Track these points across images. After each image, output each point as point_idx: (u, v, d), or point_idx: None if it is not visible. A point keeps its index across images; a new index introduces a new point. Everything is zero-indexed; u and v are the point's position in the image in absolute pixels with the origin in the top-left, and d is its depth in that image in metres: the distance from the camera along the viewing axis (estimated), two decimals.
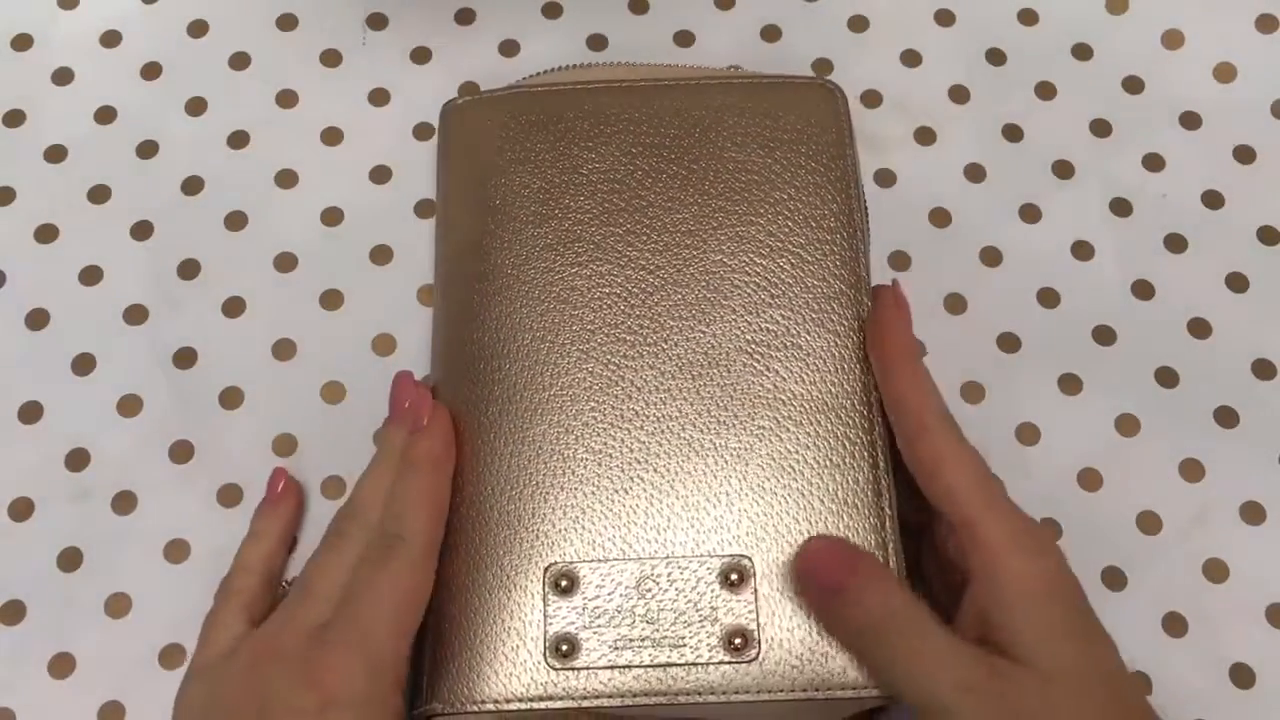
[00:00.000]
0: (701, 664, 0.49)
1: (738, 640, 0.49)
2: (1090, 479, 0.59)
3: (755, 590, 0.49)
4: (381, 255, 0.62)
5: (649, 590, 0.50)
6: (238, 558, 0.55)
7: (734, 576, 0.50)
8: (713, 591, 0.50)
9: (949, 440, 0.50)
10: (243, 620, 0.52)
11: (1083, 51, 0.67)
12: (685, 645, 0.49)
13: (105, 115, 0.65)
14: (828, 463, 0.51)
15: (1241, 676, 0.56)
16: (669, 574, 0.50)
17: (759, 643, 0.49)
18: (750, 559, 0.50)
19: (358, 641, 0.48)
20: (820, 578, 0.48)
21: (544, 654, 0.49)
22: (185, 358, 0.60)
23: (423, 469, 0.52)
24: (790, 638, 0.49)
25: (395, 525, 0.50)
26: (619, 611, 0.49)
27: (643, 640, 0.49)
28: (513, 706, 0.49)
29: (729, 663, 0.49)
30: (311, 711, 0.46)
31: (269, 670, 0.48)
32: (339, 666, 0.47)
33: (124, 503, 0.58)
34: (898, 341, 0.52)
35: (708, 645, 0.49)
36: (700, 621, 0.49)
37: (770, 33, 0.67)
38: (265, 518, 0.56)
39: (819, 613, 0.49)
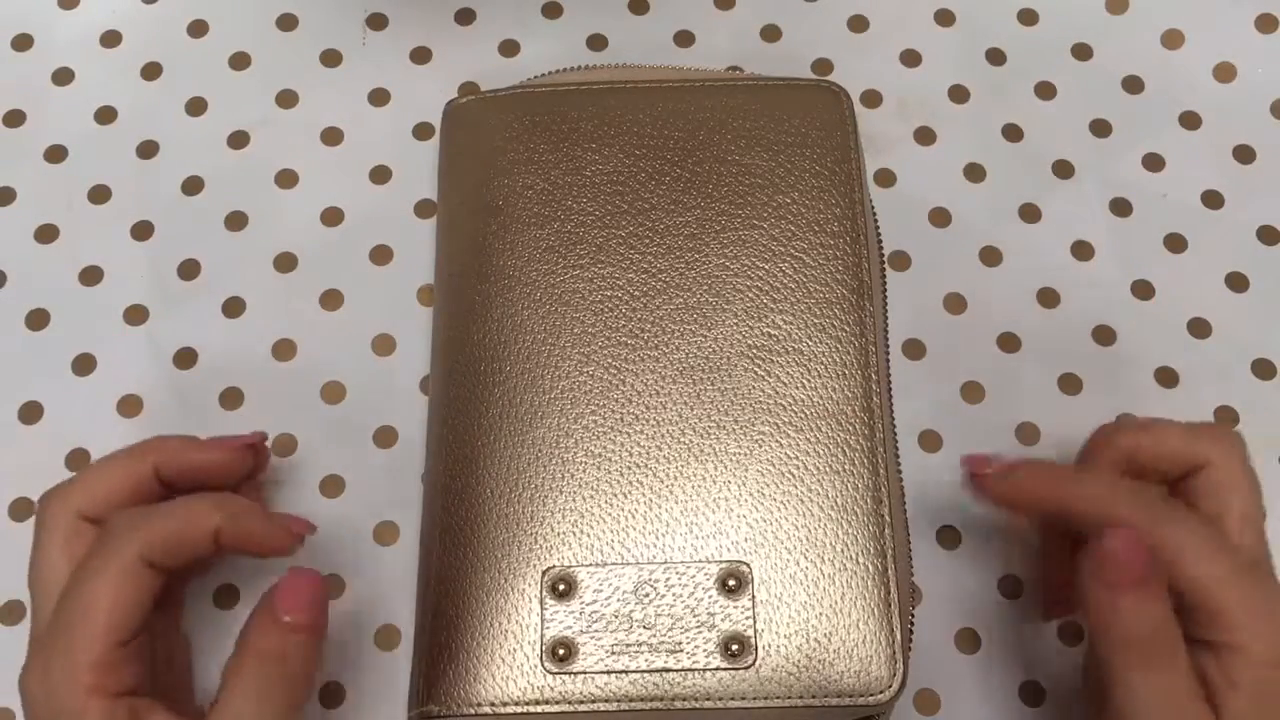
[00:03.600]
0: (698, 670, 0.49)
1: (735, 646, 0.49)
2: None
3: (753, 596, 0.49)
4: (381, 255, 0.62)
5: (647, 595, 0.50)
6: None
7: (732, 582, 0.50)
8: (710, 597, 0.50)
9: (1176, 530, 0.48)
10: None
11: (1083, 51, 0.67)
12: (682, 651, 0.49)
13: (105, 115, 0.65)
14: (828, 469, 0.51)
15: None
16: (667, 579, 0.50)
17: (756, 649, 0.49)
18: (749, 565, 0.50)
19: (44, 656, 0.47)
20: (1123, 573, 0.46)
21: (540, 658, 0.49)
22: (185, 358, 0.60)
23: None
24: (788, 644, 0.49)
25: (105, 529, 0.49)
26: (616, 616, 0.49)
27: (640, 645, 0.49)
28: (509, 710, 0.49)
29: (726, 669, 0.49)
30: None
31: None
32: (33, 684, 0.46)
33: None
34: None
35: (705, 651, 0.49)
36: (698, 627, 0.49)
37: (770, 33, 0.67)
38: None
39: (1092, 611, 0.47)
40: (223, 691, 0.47)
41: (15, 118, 0.65)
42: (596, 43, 0.67)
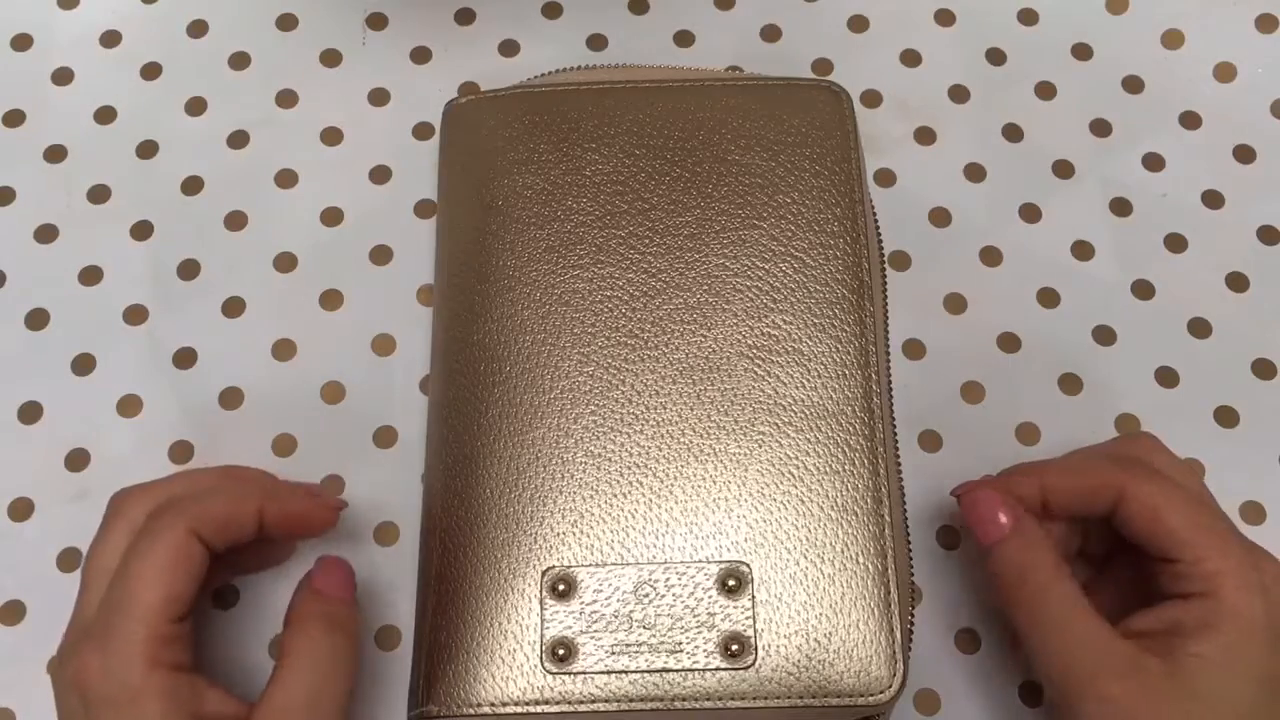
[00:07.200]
0: (698, 670, 0.49)
1: (735, 646, 0.49)
2: None
3: (753, 596, 0.49)
4: (381, 255, 0.62)
5: (646, 595, 0.50)
6: None
7: (731, 582, 0.50)
8: (710, 597, 0.50)
9: (1149, 485, 0.50)
10: None
11: (1083, 51, 0.67)
12: (682, 651, 0.49)
13: (105, 115, 0.65)
14: (828, 469, 0.51)
15: None
16: (667, 579, 0.50)
17: (756, 649, 0.49)
18: (748, 565, 0.50)
19: (101, 635, 0.47)
20: (976, 529, 0.50)
21: (540, 658, 0.49)
22: (185, 358, 0.60)
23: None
24: (787, 644, 0.49)
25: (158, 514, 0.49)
26: (616, 616, 0.49)
27: (639, 645, 0.49)
28: (508, 710, 0.49)
29: (726, 669, 0.49)
30: (80, 713, 0.46)
31: (55, 680, 0.48)
32: (89, 664, 0.46)
33: None
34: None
35: (704, 651, 0.49)
36: (697, 627, 0.49)
37: (770, 33, 0.67)
38: None
39: (983, 559, 0.51)
40: (280, 668, 0.48)
41: (15, 118, 0.65)
42: (596, 43, 0.67)
